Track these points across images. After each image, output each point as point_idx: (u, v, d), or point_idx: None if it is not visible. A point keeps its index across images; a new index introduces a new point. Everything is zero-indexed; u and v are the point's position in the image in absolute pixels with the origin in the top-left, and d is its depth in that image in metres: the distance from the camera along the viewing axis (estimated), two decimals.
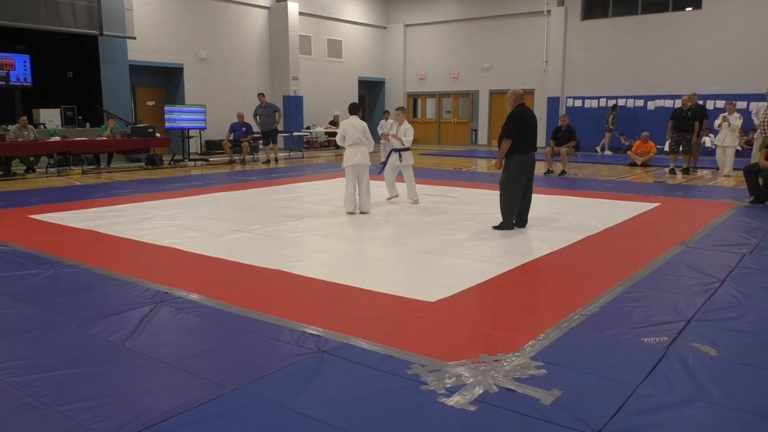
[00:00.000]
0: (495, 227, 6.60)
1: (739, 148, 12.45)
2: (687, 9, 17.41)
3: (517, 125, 6.38)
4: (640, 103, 18.13)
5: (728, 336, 3.51)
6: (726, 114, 11.72)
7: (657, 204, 8.38)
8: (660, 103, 17.68)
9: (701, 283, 4.56)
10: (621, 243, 6.05)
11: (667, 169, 12.74)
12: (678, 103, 13.07)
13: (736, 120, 11.64)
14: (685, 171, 12.35)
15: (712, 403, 2.72)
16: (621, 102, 18.10)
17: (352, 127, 7.52)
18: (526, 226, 6.68)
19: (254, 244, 5.98)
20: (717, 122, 11.87)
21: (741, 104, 15.31)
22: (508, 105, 6.58)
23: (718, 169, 12.40)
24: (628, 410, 2.63)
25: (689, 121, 11.94)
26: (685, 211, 7.98)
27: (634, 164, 14.16)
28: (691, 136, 11.98)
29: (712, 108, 15.46)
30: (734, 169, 11.89)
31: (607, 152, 17.55)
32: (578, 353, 3.28)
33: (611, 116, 17.51)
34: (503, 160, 6.49)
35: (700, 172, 12.51)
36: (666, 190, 10.13)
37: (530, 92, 20.40)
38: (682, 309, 3.95)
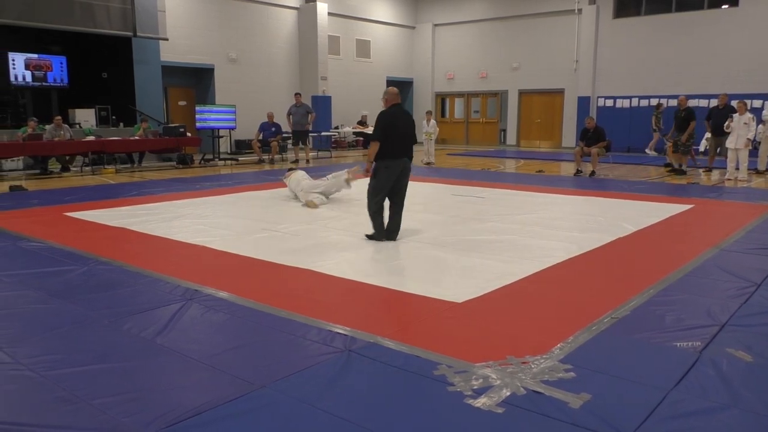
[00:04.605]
0: (368, 236, 6.10)
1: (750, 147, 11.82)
2: (723, 6, 17.00)
3: (383, 126, 5.80)
4: (673, 102, 17.73)
5: (764, 341, 3.42)
6: (737, 114, 11.22)
7: (690, 205, 8.20)
8: (695, 102, 17.26)
9: (736, 287, 4.45)
10: (652, 245, 5.94)
11: (701, 170, 12.46)
12: (714, 103, 12.71)
13: (752, 121, 11.16)
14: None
15: (746, 410, 2.65)
16: (653, 102, 17.71)
17: None
18: (397, 238, 6.08)
19: (282, 243, 6.02)
20: (726, 123, 11.28)
21: None
22: (383, 105, 6.01)
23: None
24: (659, 416, 2.58)
25: (725, 120, 11.63)
26: (720, 213, 7.79)
27: (668, 165, 13.85)
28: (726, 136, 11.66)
29: (750, 107, 15.01)
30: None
31: (652, 153, 17.08)
32: (608, 357, 3.23)
33: (655, 117, 17.09)
34: (372, 165, 5.87)
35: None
36: (700, 191, 9.91)
37: (560, 92, 20.20)
38: (716, 313, 3.86)
